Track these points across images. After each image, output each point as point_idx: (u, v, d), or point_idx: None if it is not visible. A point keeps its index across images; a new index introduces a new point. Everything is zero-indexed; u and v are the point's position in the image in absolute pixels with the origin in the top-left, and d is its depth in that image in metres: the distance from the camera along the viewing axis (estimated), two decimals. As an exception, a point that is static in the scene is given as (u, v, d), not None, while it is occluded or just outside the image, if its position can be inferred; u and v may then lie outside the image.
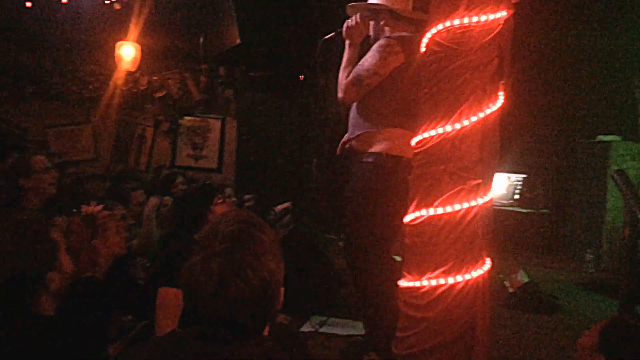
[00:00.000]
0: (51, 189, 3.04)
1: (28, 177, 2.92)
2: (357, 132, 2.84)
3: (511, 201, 6.83)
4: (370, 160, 2.70)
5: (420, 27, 3.00)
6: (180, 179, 5.26)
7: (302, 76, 6.87)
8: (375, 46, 2.81)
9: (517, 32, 2.24)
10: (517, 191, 6.83)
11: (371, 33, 3.01)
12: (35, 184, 2.94)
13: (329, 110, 7.37)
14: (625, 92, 6.61)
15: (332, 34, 3.02)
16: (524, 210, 6.62)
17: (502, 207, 6.55)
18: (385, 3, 2.92)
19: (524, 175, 6.85)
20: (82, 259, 2.29)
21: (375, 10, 2.94)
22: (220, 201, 2.83)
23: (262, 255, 1.27)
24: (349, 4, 3.07)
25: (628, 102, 6.57)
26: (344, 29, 2.99)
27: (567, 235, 6.74)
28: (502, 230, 6.17)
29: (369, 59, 2.76)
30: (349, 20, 2.98)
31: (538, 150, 7.09)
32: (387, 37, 2.81)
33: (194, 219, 2.79)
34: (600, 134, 6.29)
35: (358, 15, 2.95)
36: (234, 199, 5.06)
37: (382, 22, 2.94)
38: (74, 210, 2.97)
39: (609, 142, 6.02)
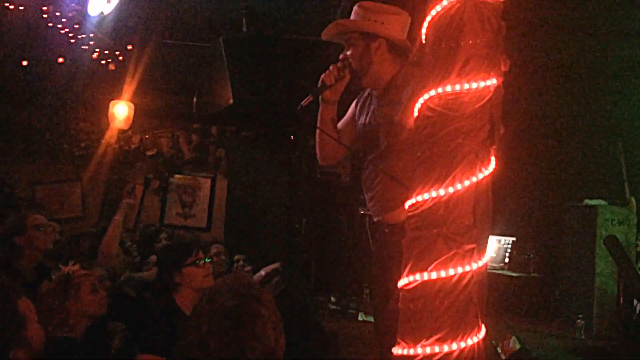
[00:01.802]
0: (46, 246, 3.05)
1: (22, 234, 2.93)
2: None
3: (502, 264, 6.80)
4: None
5: (406, 61, 2.78)
6: (164, 235, 5.21)
7: (293, 136, 6.95)
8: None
9: (507, 100, 2.29)
10: (507, 254, 6.82)
11: (354, 64, 2.73)
12: (29, 242, 2.95)
13: (319, 170, 7.43)
14: (611, 157, 6.74)
15: (310, 97, 2.72)
16: (515, 274, 6.59)
17: (493, 271, 6.51)
18: (383, 30, 2.70)
19: (513, 238, 6.86)
20: (55, 321, 2.23)
21: (371, 35, 2.70)
22: (189, 262, 2.69)
23: (263, 334, 1.22)
24: (335, 22, 2.78)
25: (613, 167, 6.68)
26: (320, 84, 2.74)
27: (557, 300, 6.68)
28: (494, 294, 6.12)
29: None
30: (326, 74, 2.73)
31: (527, 212, 7.13)
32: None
33: (165, 280, 2.70)
34: (587, 198, 6.36)
35: (335, 69, 2.72)
36: (222, 257, 4.98)
37: (376, 52, 2.71)
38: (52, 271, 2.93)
39: (596, 206, 6.07)
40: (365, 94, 2.97)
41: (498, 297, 6.45)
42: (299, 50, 5.63)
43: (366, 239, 3.09)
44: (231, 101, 5.70)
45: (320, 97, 2.80)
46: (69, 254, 3.82)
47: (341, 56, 2.79)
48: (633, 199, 6.20)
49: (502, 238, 6.89)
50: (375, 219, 2.88)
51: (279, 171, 7.10)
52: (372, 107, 2.87)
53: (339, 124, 2.95)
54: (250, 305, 1.24)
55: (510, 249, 6.82)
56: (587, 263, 6.04)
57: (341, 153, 3.01)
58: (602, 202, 6.14)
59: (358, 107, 2.98)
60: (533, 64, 5.70)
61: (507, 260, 6.79)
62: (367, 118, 2.87)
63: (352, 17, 2.79)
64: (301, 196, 7.02)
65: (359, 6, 2.77)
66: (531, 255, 6.64)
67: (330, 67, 2.75)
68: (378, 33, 2.71)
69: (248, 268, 5.04)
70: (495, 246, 6.90)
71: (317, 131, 2.87)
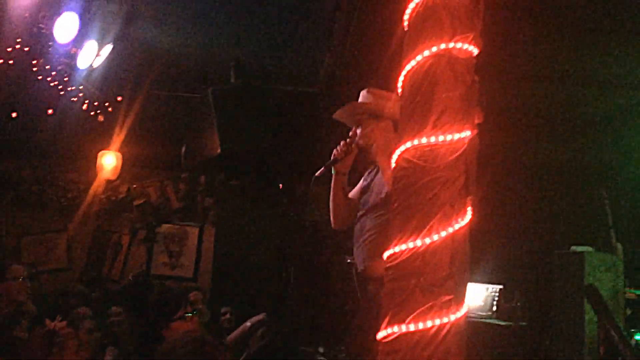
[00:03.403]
0: (19, 297, 3.05)
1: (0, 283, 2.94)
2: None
3: (489, 313, 6.71)
4: None
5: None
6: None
7: (281, 185, 6.98)
8: None
9: (492, 147, 2.34)
10: (495, 302, 6.75)
11: (362, 141, 3.15)
12: (4, 291, 2.96)
13: (307, 219, 7.43)
14: (596, 203, 6.79)
15: (323, 169, 3.20)
16: (502, 323, 6.50)
17: (481, 319, 6.43)
18: (390, 112, 3.08)
19: (501, 286, 6.80)
20: None
21: (380, 117, 3.12)
22: (177, 317, 2.76)
23: None
24: (351, 104, 3.21)
25: (599, 213, 6.72)
26: (332, 158, 3.19)
27: (547, 350, 6.58)
28: (482, 343, 6.03)
29: None
30: (336, 150, 3.18)
31: (514, 260, 7.12)
32: None
33: (151, 333, 2.72)
34: (573, 245, 6.35)
35: (345, 144, 3.16)
36: (201, 306, 4.91)
37: (384, 130, 3.10)
38: (33, 326, 2.89)
39: (583, 253, 6.06)
40: (373, 166, 3.38)
41: (487, 346, 6.35)
42: (285, 101, 5.74)
43: (354, 287, 3.24)
44: (219, 151, 5.75)
45: (332, 169, 3.27)
46: (57, 309, 3.78)
47: (350, 133, 3.25)
48: (619, 246, 6.20)
49: (490, 286, 6.83)
50: (359, 269, 2.98)
51: (268, 220, 7.10)
52: (374, 173, 3.30)
53: (351, 193, 3.38)
54: None
55: (498, 297, 6.75)
56: (576, 311, 5.97)
57: (352, 218, 3.33)
58: (589, 249, 6.12)
59: (364, 177, 3.42)
60: (519, 113, 5.82)
61: (494, 308, 6.71)
62: (366, 181, 3.32)
63: (361, 100, 3.28)
64: (290, 245, 6.99)
65: (368, 92, 3.28)
66: (519, 304, 6.58)
67: (341, 143, 3.22)
68: (387, 115, 3.15)
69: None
70: (483, 294, 6.83)
71: (331, 199, 3.32)
